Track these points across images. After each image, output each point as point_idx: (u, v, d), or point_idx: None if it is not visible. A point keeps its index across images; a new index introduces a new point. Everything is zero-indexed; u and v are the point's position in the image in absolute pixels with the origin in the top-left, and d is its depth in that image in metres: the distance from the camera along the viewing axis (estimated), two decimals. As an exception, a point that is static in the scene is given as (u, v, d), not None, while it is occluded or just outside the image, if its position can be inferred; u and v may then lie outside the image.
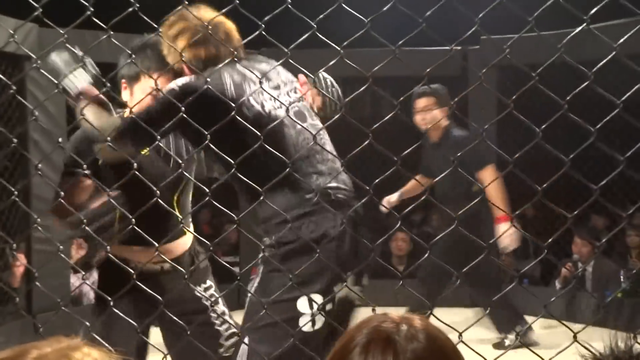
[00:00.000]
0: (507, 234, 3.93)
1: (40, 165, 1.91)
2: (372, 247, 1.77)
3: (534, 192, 1.43)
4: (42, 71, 1.68)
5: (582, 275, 5.62)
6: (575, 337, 1.35)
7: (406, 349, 0.90)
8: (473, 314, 5.04)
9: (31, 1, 1.42)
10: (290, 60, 1.57)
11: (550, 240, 1.71)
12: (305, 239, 1.85)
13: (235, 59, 1.90)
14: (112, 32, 1.46)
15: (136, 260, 2.30)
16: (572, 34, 1.45)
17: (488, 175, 4.09)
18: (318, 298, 1.89)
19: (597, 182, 1.46)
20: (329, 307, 1.92)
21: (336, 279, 1.91)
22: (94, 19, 1.37)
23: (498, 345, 4.31)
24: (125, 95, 2.18)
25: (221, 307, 2.45)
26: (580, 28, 1.50)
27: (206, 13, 1.94)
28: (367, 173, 5.07)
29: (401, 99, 1.57)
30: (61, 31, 1.49)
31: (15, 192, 1.68)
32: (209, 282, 2.49)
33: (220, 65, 1.88)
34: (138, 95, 2.13)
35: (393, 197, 4.58)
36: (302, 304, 1.89)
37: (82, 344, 0.89)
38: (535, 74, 1.43)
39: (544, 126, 1.41)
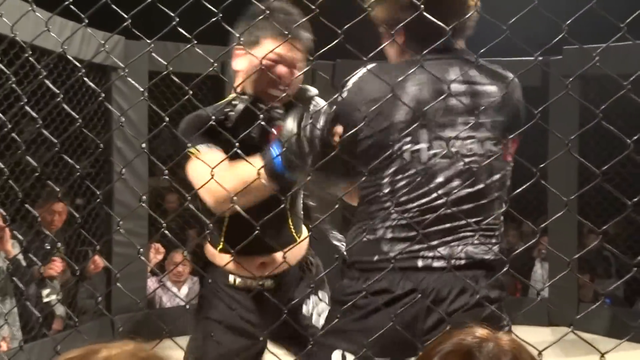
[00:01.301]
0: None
1: (123, 170, 1.95)
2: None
3: (614, 207, 1.38)
4: (129, 79, 1.72)
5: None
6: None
7: None
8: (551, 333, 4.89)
9: (121, 12, 1.48)
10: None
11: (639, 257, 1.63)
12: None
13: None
14: (195, 42, 1.50)
15: (238, 272, 2.04)
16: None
17: None
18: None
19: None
20: None
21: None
22: (180, 29, 1.42)
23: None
24: (240, 63, 2.02)
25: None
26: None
27: None
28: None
29: (482, 107, 1.54)
30: (148, 41, 1.54)
31: (99, 196, 1.72)
32: (321, 294, 2.20)
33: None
34: (255, 61, 1.86)
35: None
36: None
37: (149, 347, 0.90)
38: (627, 82, 1.38)
39: (635, 137, 1.36)
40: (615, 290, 5.68)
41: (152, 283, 5.22)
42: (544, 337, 4.59)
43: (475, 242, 1.60)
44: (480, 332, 0.92)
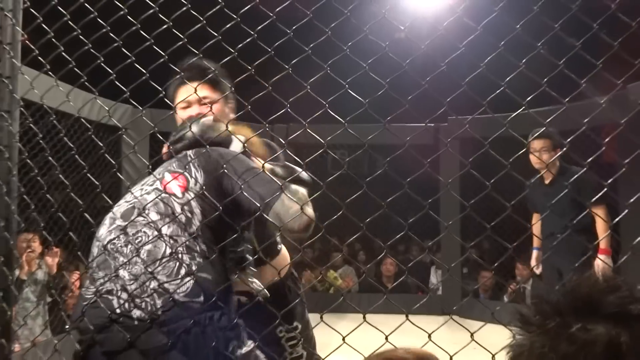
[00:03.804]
0: (604, 264, 3.37)
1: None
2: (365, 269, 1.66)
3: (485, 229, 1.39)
4: (127, 138, 1.65)
5: (523, 292, 5.48)
6: (514, 336, 1.27)
7: None
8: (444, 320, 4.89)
9: (122, 87, 1.43)
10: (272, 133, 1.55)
11: (495, 264, 1.66)
12: None
13: None
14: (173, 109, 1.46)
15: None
16: (512, 115, 1.44)
17: (602, 210, 3.35)
18: None
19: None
20: None
21: None
22: (165, 100, 1.37)
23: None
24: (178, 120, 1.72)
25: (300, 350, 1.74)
26: (519, 111, 1.47)
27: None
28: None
29: (388, 159, 1.54)
30: (139, 108, 1.49)
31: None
32: (295, 323, 1.75)
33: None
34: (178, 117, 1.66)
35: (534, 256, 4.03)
36: None
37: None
38: (487, 142, 1.40)
39: (492, 180, 1.37)
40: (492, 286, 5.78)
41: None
42: (438, 324, 4.57)
43: None
44: (414, 349, 0.81)
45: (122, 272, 1.26)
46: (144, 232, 1.29)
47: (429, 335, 1.25)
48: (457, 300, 5.56)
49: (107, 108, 1.70)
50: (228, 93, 1.70)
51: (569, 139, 1.45)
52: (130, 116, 4.74)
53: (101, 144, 1.48)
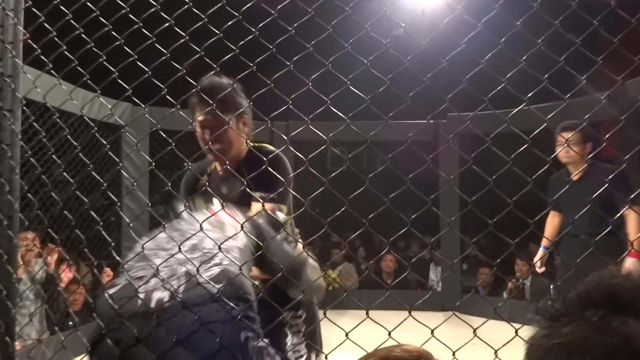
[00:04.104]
0: (635, 266, 3.18)
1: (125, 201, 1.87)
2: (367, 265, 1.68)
3: (486, 226, 1.40)
4: (129, 136, 1.66)
5: (522, 288, 5.49)
6: (516, 332, 1.29)
7: None
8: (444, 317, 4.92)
9: (125, 85, 1.43)
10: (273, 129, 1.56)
11: (497, 261, 1.67)
12: None
13: None
14: (179, 106, 1.46)
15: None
16: (514, 112, 1.45)
17: (635, 211, 3.14)
18: None
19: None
20: None
21: None
22: (167, 97, 1.38)
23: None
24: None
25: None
26: (520, 107, 1.48)
27: None
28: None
29: (390, 155, 1.55)
30: (142, 105, 1.49)
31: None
32: (300, 312, 1.92)
33: None
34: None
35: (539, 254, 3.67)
36: None
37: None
38: (488, 138, 1.41)
39: (494, 177, 1.37)
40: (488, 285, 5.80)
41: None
42: (438, 320, 4.59)
43: None
44: (410, 349, 0.79)
45: (157, 261, 1.30)
46: (191, 233, 1.36)
47: (432, 332, 1.26)
48: (457, 296, 5.58)
49: (109, 106, 1.71)
50: (242, 110, 1.82)
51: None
52: (130, 114, 4.74)
53: (104, 142, 1.49)
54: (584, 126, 3.07)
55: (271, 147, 1.90)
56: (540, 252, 3.76)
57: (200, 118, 1.80)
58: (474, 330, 1.27)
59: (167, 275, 1.26)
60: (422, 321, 1.29)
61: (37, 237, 3.86)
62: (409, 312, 1.27)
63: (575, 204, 3.24)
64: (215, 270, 1.27)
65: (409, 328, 1.29)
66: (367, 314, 1.28)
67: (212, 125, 1.81)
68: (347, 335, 1.24)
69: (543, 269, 3.73)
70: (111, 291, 1.28)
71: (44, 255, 3.97)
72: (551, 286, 5.17)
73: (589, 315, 0.53)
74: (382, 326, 1.27)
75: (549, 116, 1.47)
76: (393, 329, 1.22)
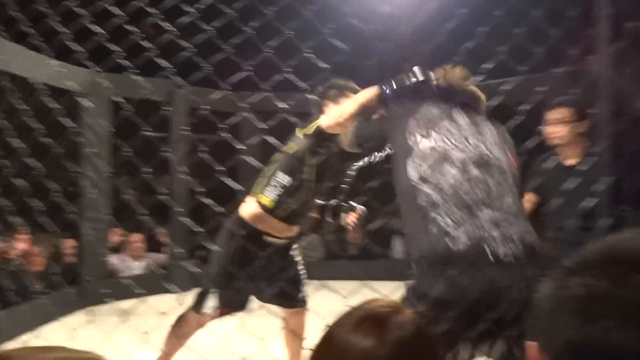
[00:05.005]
0: None
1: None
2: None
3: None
4: (90, 102, 1.60)
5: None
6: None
7: (394, 331, 0.76)
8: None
9: (81, 49, 1.38)
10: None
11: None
12: None
13: None
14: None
15: (286, 234, 2.41)
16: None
17: None
18: None
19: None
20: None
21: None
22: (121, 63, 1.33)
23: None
24: (342, 108, 1.96)
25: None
26: (482, 81, 1.49)
27: None
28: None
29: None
30: (99, 70, 1.44)
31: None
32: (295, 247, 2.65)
33: None
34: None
35: None
36: None
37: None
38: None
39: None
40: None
41: (114, 259, 4.94)
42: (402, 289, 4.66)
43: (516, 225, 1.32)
44: (389, 302, 0.82)
45: (483, 215, 1.30)
46: (497, 182, 1.37)
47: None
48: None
49: (65, 70, 1.64)
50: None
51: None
52: (90, 81, 4.58)
53: (60, 107, 1.44)
54: (576, 102, 2.53)
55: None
56: None
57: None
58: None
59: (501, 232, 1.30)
60: (386, 291, 1.31)
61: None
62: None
63: (571, 194, 2.34)
64: (534, 237, 1.36)
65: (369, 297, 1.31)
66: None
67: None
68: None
69: None
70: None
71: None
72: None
73: (608, 270, 0.52)
74: (380, 295, 1.26)
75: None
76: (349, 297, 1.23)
